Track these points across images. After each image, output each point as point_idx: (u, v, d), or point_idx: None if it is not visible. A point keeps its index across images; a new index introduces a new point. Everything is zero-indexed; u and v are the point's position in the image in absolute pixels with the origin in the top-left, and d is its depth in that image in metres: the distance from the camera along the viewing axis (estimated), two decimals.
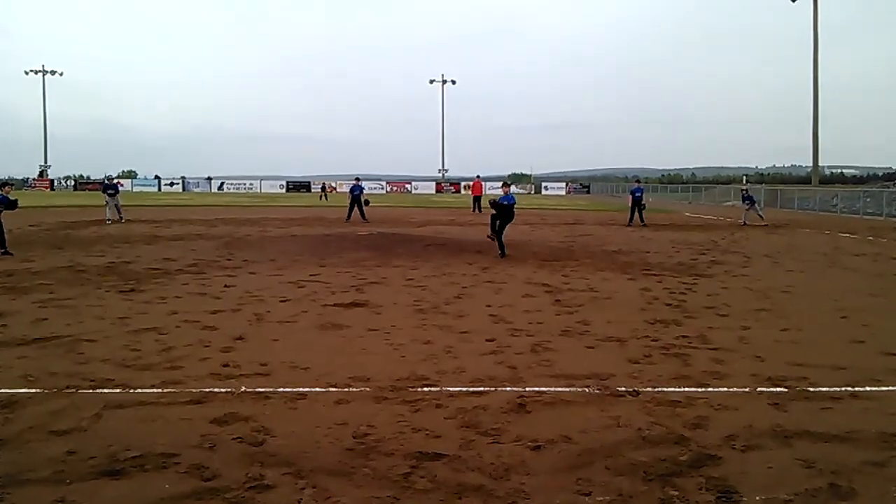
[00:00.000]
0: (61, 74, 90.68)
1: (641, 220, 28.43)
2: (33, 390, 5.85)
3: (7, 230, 16.22)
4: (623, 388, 6.11)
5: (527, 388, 6.07)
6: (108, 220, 27.60)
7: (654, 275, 13.48)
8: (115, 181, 32.61)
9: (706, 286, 12.16)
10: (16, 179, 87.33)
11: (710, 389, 6.13)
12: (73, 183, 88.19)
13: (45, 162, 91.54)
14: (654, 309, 9.99)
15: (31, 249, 16.81)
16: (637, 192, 29.17)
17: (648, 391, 6.04)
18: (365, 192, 31.38)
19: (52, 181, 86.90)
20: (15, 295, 10.55)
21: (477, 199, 39.65)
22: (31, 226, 24.01)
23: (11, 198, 16.81)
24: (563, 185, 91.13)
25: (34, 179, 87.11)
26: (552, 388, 6.11)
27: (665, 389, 6.11)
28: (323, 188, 66.27)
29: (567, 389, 6.10)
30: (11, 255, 15.43)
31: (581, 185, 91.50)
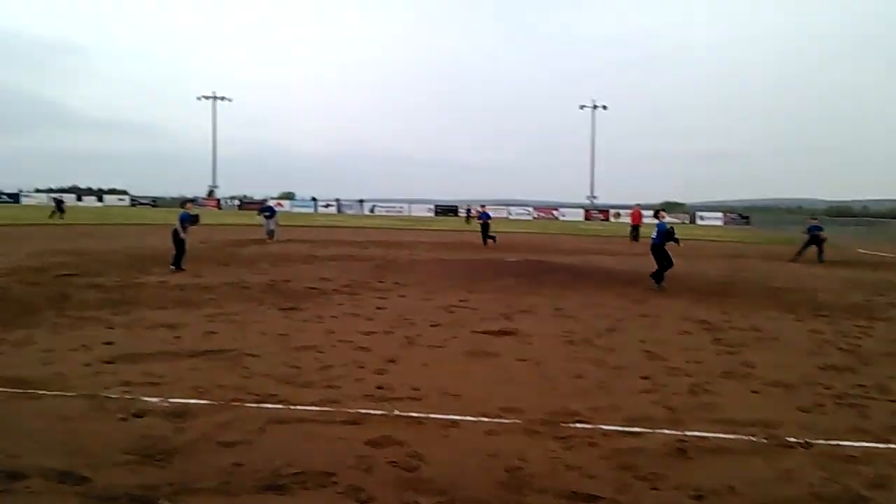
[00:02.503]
0: (230, 100, 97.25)
1: (820, 256, 26.07)
2: (203, 402, 6.21)
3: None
4: (793, 439, 5.69)
5: (686, 432, 5.78)
6: (268, 239, 29.21)
7: (824, 315, 12.54)
8: (272, 204, 33.80)
9: (884, 330, 11.18)
10: (186, 198, 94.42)
11: (893, 446, 5.60)
12: (238, 202, 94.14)
13: (214, 182, 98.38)
14: (826, 353, 9.28)
15: (201, 265, 18.04)
16: (816, 230, 26.78)
17: (821, 443, 5.60)
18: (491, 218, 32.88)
19: (218, 200, 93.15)
20: (187, 308, 11.32)
21: (635, 228, 38.67)
22: (200, 243, 25.80)
23: (193, 213, 18.22)
24: (720, 215, 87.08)
25: (203, 198, 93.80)
26: (714, 434, 5.78)
27: (840, 443, 5.63)
28: (468, 212, 67.13)
29: (731, 436, 5.75)
30: (183, 270, 16.60)
31: (740, 215, 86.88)
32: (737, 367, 8.31)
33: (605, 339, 9.76)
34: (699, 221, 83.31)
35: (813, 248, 26.33)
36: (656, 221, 17.06)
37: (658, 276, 15.94)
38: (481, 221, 32.11)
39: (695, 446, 5.46)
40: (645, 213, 41.06)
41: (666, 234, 16.07)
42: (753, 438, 5.72)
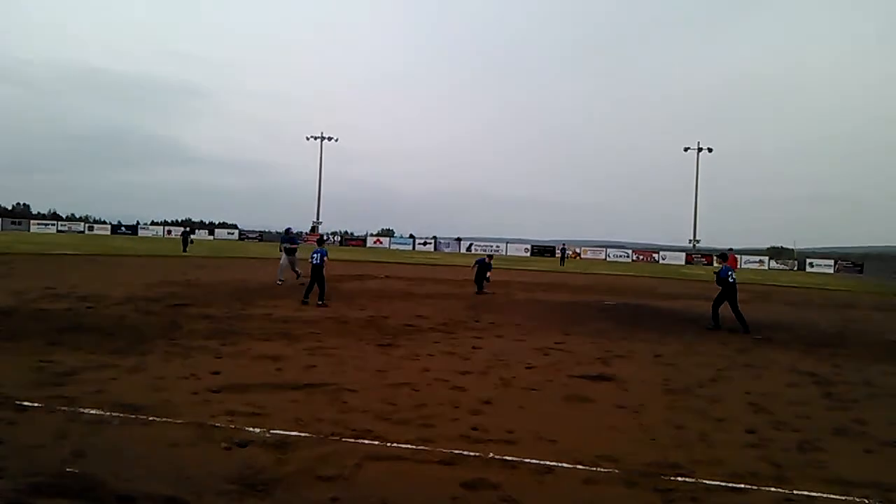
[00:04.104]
0: (336, 140, 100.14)
1: None
2: (303, 434, 6.36)
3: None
4: None
5: (794, 491, 5.50)
6: (280, 280, 23.50)
7: None
8: (295, 235, 25.57)
9: None
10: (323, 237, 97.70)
11: None
12: (339, 239, 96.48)
13: (318, 218, 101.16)
14: None
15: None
16: None
17: None
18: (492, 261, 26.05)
19: (321, 236, 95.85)
20: (289, 341, 11.65)
21: None
22: (304, 277, 26.56)
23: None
24: (832, 262, 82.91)
25: (307, 234, 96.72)
26: (824, 495, 5.47)
27: None
28: (563, 252, 66.59)
29: (842, 498, 5.43)
30: (327, 306, 17.29)
31: (853, 263, 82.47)
32: (849, 423, 7.86)
33: (708, 389, 9.43)
34: (808, 268, 79.72)
35: None
36: (721, 265, 17.29)
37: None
38: (478, 267, 24.81)
39: None
40: (747, 258, 39.50)
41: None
42: (867, 501, 5.39)
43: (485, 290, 24.17)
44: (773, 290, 35.47)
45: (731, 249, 42.96)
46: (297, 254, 24.22)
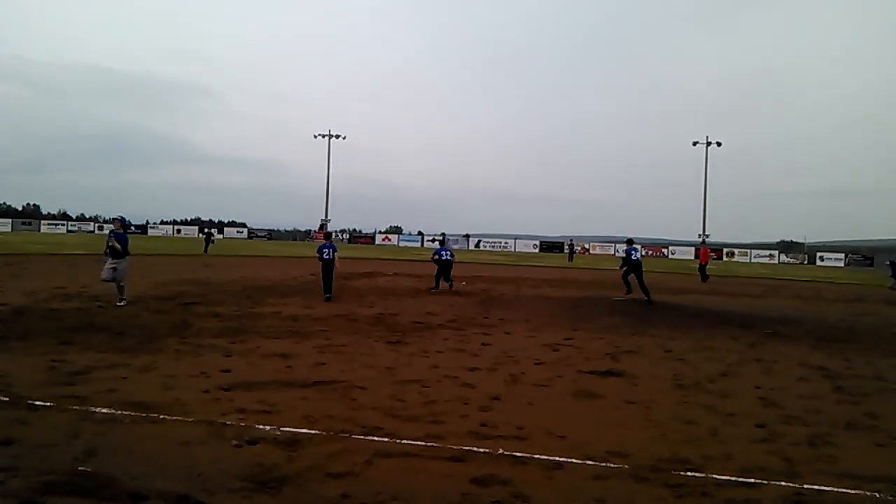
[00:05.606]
0: (344, 138, 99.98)
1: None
2: (313, 431, 6.39)
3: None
4: None
5: (804, 485, 5.48)
6: (104, 277, 15.43)
7: None
8: (126, 232, 16.70)
9: None
10: (299, 231, 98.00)
11: None
12: (347, 236, 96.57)
13: (326, 216, 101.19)
14: None
15: (312, 297, 18.62)
16: None
17: None
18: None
19: (330, 234, 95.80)
20: (299, 339, 11.69)
21: (702, 267, 36.05)
22: (311, 275, 26.66)
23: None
24: (842, 255, 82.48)
25: (315, 231, 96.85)
26: (835, 489, 5.46)
27: None
28: (571, 248, 66.43)
29: (853, 492, 5.42)
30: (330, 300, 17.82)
31: (863, 256, 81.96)
32: (859, 417, 7.83)
33: (718, 384, 9.40)
34: (819, 262, 79.40)
35: None
36: (625, 248, 21.20)
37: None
38: (437, 258, 23.78)
39: (813, 500, 5.19)
40: (756, 252, 39.31)
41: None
42: (878, 495, 5.37)
43: (451, 288, 22.37)
44: (784, 284, 35.32)
45: (703, 242, 43.76)
46: (127, 260, 15.77)
